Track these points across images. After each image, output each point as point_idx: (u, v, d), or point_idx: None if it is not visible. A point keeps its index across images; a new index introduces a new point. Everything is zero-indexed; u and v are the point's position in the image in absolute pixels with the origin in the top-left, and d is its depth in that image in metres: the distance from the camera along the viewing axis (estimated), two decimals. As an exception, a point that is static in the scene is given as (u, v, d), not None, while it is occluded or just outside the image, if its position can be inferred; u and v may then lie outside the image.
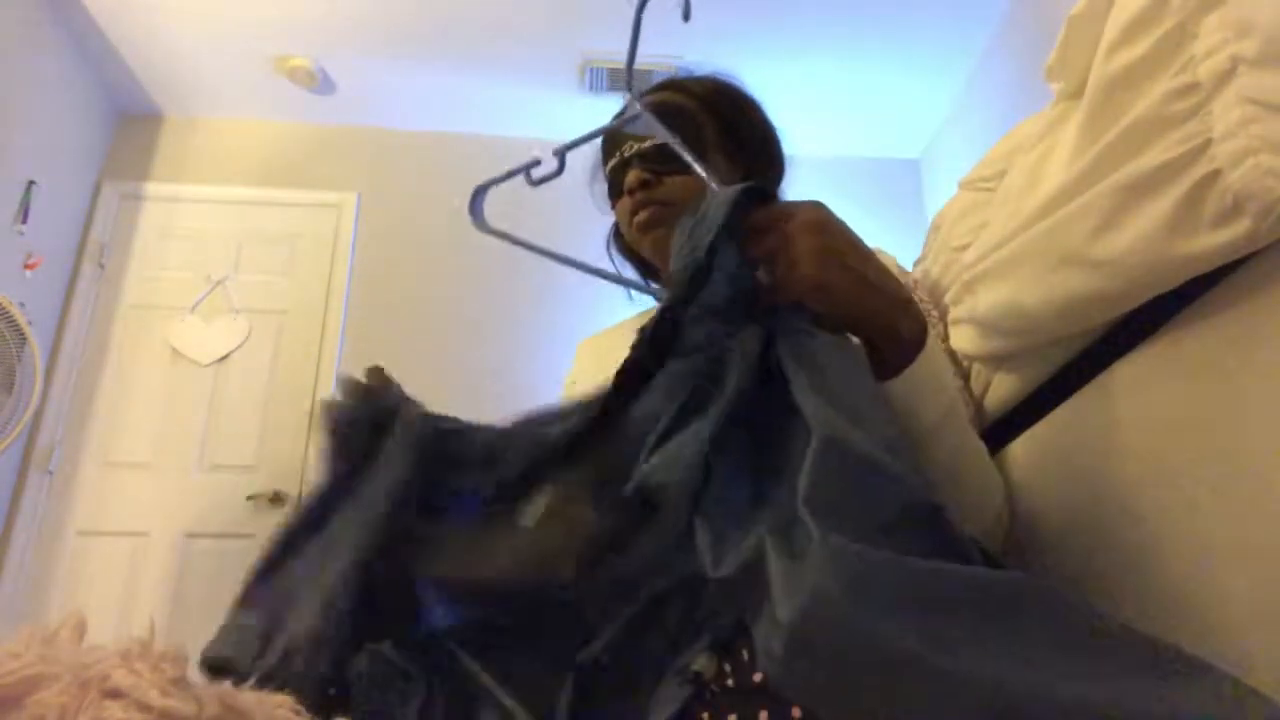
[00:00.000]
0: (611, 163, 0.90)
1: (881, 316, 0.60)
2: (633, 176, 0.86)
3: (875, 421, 0.52)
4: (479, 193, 0.92)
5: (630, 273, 1.03)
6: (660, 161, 0.86)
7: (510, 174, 0.91)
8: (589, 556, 0.57)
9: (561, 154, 0.89)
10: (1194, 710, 0.35)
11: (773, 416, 0.55)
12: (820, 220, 0.59)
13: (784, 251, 0.58)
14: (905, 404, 0.60)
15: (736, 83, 0.94)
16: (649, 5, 0.82)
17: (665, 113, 0.85)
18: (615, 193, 0.92)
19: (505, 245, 0.91)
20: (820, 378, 0.54)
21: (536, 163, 0.91)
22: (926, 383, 0.62)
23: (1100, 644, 0.40)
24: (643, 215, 0.87)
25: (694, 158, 0.77)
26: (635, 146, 0.87)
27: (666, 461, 0.56)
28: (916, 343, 0.61)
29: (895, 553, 0.43)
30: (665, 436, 0.57)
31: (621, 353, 0.72)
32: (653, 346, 0.60)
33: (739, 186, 0.59)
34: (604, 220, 1.03)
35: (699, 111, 0.89)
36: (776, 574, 0.46)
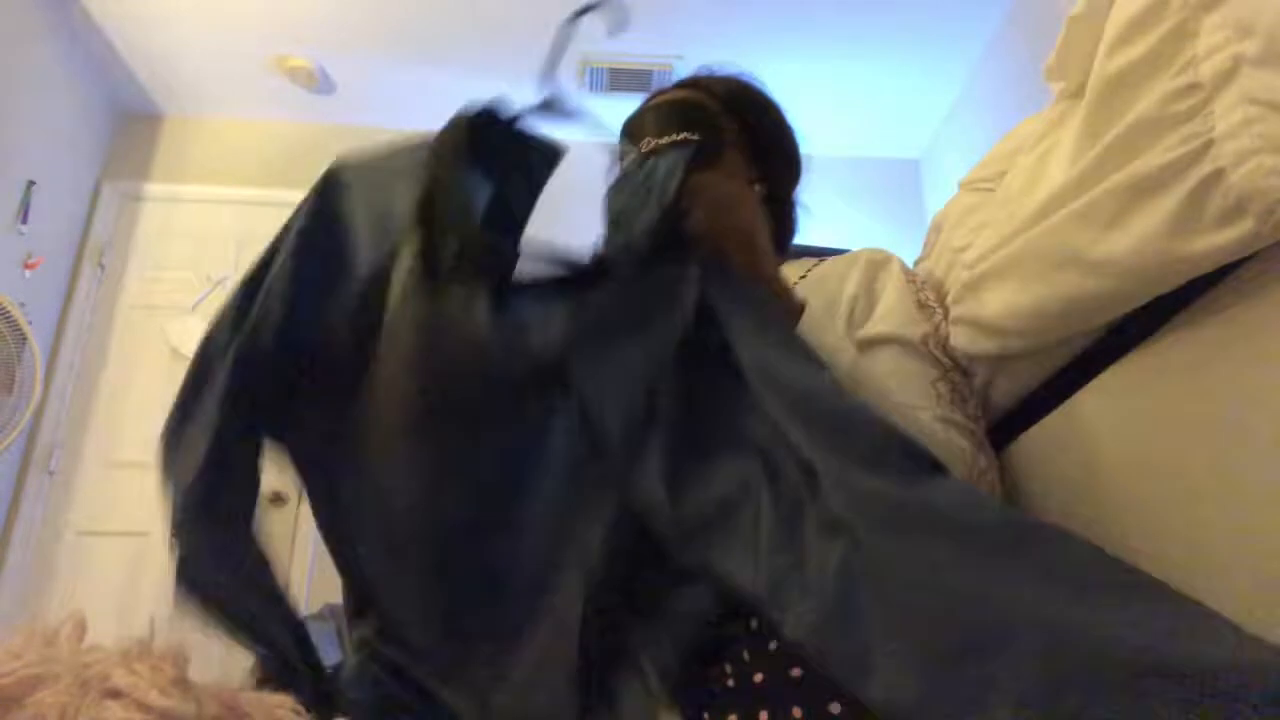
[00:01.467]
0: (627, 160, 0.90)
1: (775, 281, 0.78)
2: None
3: (824, 371, 0.60)
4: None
5: None
6: None
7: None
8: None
9: None
10: (1189, 641, 0.39)
11: (705, 364, 0.63)
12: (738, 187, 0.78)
13: (709, 204, 0.74)
14: None
15: (756, 83, 0.94)
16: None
17: (685, 110, 0.85)
18: None
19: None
20: (766, 329, 0.64)
21: None
22: None
23: (1104, 578, 0.44)
24: None
25: (712, 155, 0.84)
26: (652, 144, 0.87)
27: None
28: (796, 314, 0.75)
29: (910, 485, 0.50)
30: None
31: None
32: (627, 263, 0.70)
33: (689, 148, 0.74)
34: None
35: (719, 111, 0.89)
36: (769, 517, 0.52)
